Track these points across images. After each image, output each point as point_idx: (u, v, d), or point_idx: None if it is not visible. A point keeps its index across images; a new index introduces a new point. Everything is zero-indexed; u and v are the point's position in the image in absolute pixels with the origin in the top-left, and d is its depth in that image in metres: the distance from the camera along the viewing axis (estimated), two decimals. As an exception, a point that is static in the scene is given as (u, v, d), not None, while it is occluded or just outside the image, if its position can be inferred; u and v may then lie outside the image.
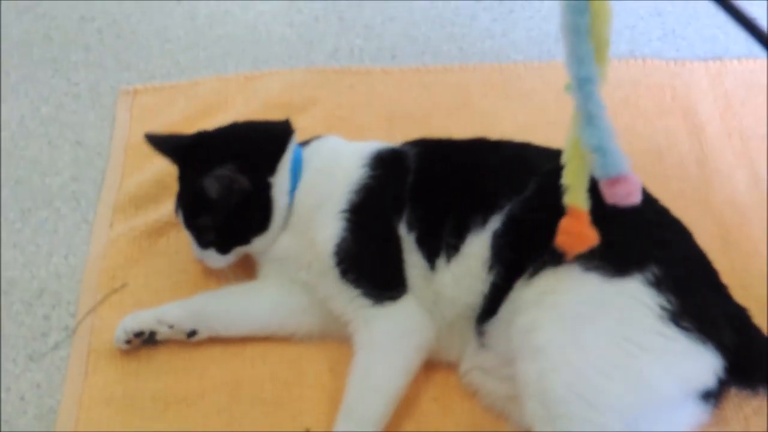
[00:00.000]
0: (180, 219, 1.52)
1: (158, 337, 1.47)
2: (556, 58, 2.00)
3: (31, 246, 1.68)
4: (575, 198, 1.19)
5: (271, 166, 1.47)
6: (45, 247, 1.67)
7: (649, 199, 1.39)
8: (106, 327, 1.52)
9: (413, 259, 1.40)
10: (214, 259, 1.51)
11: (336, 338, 1.46)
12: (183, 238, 1.63)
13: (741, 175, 1.75)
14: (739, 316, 1.34)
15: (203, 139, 1.54)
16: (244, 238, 1.48)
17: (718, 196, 1.71)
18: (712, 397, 1.29)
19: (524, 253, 1.33)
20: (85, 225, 1.71)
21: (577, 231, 1.20)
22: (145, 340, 1.47)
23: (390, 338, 1.37)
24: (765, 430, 1.39)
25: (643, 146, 1.79)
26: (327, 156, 1.52)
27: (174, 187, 1.71)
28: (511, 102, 1.89)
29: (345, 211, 1.41)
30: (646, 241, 1.33)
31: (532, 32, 2.08)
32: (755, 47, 2.02)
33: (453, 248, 1.38)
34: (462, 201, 1.40)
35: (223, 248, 1.49)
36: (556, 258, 1.27)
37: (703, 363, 1.25)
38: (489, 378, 1.39)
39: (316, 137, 1.58)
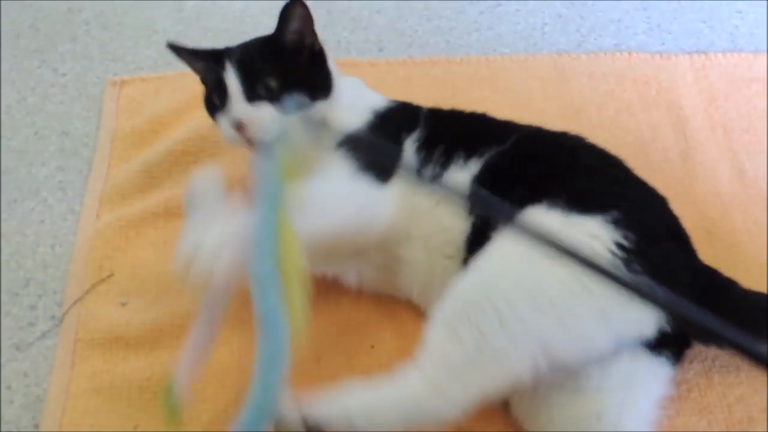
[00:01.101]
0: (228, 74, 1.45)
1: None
2: (542, 51, 2.01)
3: (17, 236, 1.68)
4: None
5: None
6: (31, 237, 1.67)
7: (626, 169, 1.44)
8: (93, 317, 1.52)
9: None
10: (267, 119, 1.42)
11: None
12: (170, 229, 1.63)
13: (724, 167, 1.77)
14: (705, 273, 1.35)
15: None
16: (311, 92, 1.47)
17: (702, 188, 1.73)
18: (665, 349, 1.29)
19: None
20: (72, 215, 1.71)
21: None
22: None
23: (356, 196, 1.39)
24: (748, 417, 1.41)
25: (627, 139, 1.81)
26: (357, 87, 1.63)
27: (160, 177, 1.72)
28: (498, 95, 1.90)
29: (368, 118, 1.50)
30: (617, 193, 1.35)
31: (518, 25, 2.09)
32: (740, 41, 2.04)
33: (437, 175, 1.43)
34: (452, 140, 1.45)
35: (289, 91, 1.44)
36: (526, 200, 1.31)
37: (642, 311, 1.24)
38: None
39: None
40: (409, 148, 1.47)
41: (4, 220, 1.70)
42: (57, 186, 1.76)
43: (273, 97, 1.43)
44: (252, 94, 1.43)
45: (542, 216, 1.29)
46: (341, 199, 1.37)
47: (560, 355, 1.22)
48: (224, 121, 1.46)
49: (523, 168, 1.38)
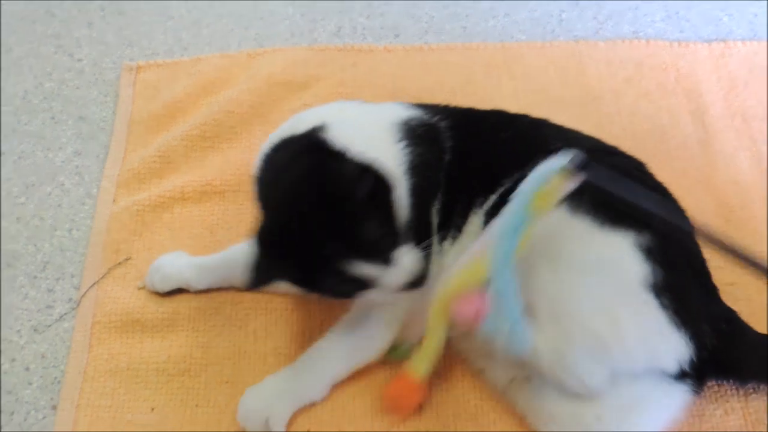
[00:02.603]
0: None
1: None
2: (558, 37, 2.00)
3: (35, 220, 1.68)
4: (417, 368, 1.31)
5: None
6: (49, 221, 1.68)
7: (664, 191, 1.40)
8: (110, 300, 1.53)
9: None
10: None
11: None
12: (186, 214, 1.64)
13: (743, 155, 1.76)
14: (726, 318, 1.34)
15: None
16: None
17: (721, 176, 1.72)
18: (688, 379, 1.29)
19: None
20: (89, 199, 1.71)
21: (403, 395, 1.34)
22: None
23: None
24: (764, 406, 1.40)
25: (646, 126, 1.80)
26: None
27: (177, 162, 1.72)
28: (514, 81, 1.89)
29: None
30: (648, 214, 1.31)
31: (534, 12, 2.08)
32: (759, 29, 2.03)
33: (458, 230, 1.38)
34: (472, 184, 1.39)
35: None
36: None
37: (671, 345, 1.25)
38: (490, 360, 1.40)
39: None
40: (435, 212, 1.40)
41: (22, 204, 1.71)
42: (74, 171, 1.76)
43: (387, 237, 1.26)
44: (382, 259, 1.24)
45: (567, 219, 1.28)
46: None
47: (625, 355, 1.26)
48: (380, 296, 1.28)
49: None
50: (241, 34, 2.05)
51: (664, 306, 1.24)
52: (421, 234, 1.33)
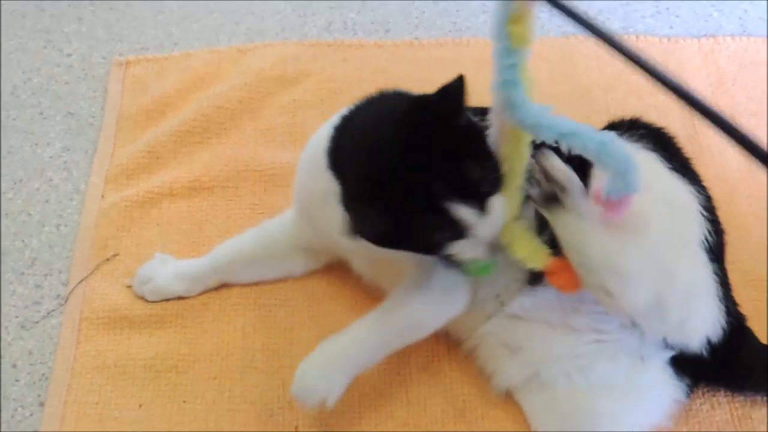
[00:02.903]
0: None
1: None
2: (549, 33, 2.00)
3: (23, 216, 1.68)
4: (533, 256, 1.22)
5: None
6: (37, 217, 1.67)
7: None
8: (98, 296, 1.52)
9: None
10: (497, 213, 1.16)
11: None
12: (175, 209, 1.64)
13: (731, 152, 1.75)
14: (736, 317, 1.34)
15: None
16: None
17: (709, 172, 1.70)
18: (686, 377, 1.30)
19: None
20: (77, 195, 1.71)
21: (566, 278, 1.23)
22: None
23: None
24: (750, 400, 1.41)
25: (635, 122, 1.80)
26: None
27: (165, 158, 1.72)
28: (504, 77, 1.89)
29: None
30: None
31: (525, 8, 2.08)
32: (748, 25, 2.03)
33: None
34: None
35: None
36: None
37: (709, 314, 1.25)
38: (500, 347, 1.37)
39: None
40: None
41: (10, 200, 1.70)
42: (62, 166, 1.76)
43: (485, 180, 1.16)
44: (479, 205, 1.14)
45: (644, 153, 1.28)
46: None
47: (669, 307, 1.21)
48: (469, 249, 1.17)
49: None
50: (231, 29, 2.04)
51: (715, 273, 1.24)
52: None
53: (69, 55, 1.99)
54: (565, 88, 1.87)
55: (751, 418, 1.38)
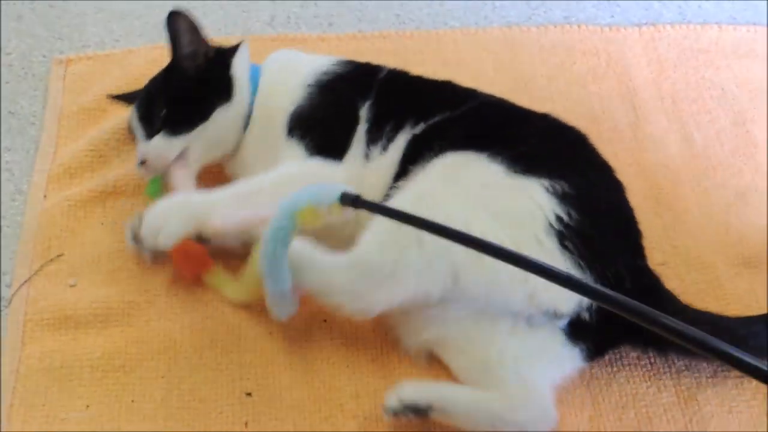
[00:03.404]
0: (133, 119, 1.55)
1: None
2: (492, 24, 2.01)
3: (-37, 217, 1.65)
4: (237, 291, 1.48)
5: (232, 50, 1.59)
6: (-22, 219, 1.65)
7: (590, 149, 1.46)
8: (42, 297, 1.50)
9: (357, 145, 1.48)
10: (161, 149, 1.49)
11: None
12: (119, 207, 1.62)
13: (673, 137, 1.79)
14: (648, 277, 1.37)
15: None
16: (207, 108, 1.51)
17: (651, 158, 1.75)
18: (582, 342, 1.32)
19: (431, 144, 1.40)
20: (20, 195, 1.68)
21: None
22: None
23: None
24: (696, 382, 1.43)
25: (578, 111, 1.82)
26: (287, 60, 1.63)
27: (108, 156, 1.70)
28: (449, 68, 1.90)
29: (310, 85, 1.52)
30: (570, 166, 1.37)
31: (468, -1, 2.10)
32: (687, 13, 2.06)
33: (388, 141, 1.46)
34: (408, 107, 1.49)
35: (186, 121, 1.50)
36: (466, 145, 1.36)
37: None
38: None
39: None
40: (363, 114, 1.50)
41: (-50, 201, 1.67)
42: (4, 166, 1.73)
43: (167, 124, 1.49)
44: (150, 131, 1.51)
45: (483, 164, 1.32)
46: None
47: (470, 288, 1.28)
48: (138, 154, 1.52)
49: (470, 125, 1.43)
50: (173, 25, 2.02)
51: (567, 249, 1.27)
52: (333, 111, 1.51)
53: (9, 54, 1.96)
54: (507, 78, 1.88)
55: (696, 399, 1.40)
